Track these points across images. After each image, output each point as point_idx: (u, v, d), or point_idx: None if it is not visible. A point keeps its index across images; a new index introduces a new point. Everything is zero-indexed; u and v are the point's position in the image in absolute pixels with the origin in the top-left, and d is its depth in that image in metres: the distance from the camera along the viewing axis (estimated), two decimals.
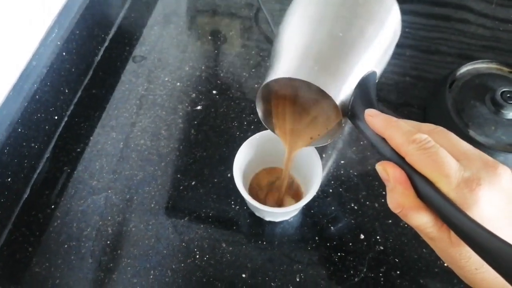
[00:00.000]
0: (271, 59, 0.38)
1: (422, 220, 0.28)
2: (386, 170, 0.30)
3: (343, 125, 0.36)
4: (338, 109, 0.33)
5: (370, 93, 0.35)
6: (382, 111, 0.32)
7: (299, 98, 0.39)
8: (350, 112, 0.34)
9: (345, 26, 0.36)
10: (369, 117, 0.31)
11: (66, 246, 0.48)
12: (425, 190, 0.27)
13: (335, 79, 0.34)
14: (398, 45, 0.40)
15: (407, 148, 0.28)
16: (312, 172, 0.43)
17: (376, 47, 0.36)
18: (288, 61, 0.35)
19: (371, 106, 0.33)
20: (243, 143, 0.44)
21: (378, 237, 0.47)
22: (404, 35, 0.41)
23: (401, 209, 0.29)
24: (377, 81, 0.37)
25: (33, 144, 0.51)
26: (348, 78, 0.34)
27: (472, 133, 0.50)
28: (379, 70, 0.37)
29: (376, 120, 0.31)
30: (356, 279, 0.45)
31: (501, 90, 0.50)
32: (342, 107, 0.34)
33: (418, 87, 0.58)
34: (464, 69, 0.54)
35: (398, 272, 0.45)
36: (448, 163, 0.26)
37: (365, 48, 0.35)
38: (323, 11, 0.37)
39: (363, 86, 0.34)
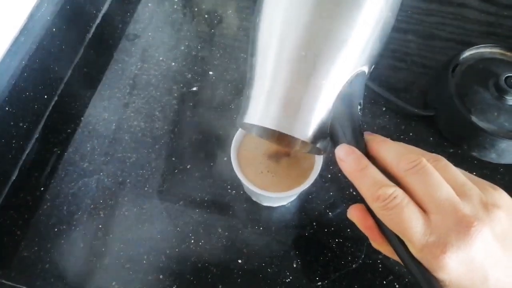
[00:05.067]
0: (246, 83, 0.34)
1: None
2: (353, 220, 0.29)
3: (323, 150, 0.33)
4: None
5: (352, 106, 0.31)
6: (366, 133, 0.30)
7: None
8: (330, 138, 0.32)
9: (310, 39, 0.30)
10: (339, 160, 0.29)
11: (56, 229, 0.46)
12: (393, 245, 0.27)
13: (301, 118, 0.30)
14: (399, 30, 0.37)
15: (372, 204, 0.27)
16: (311, 157, 0.42)
17: (355, 44, 0.30)
18: (253, 101, 0.32)
19: (352, 125, 0.30)
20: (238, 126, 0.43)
21: None
22: (405, 19, 0.39)
23: (379, 250, 0.29)
24: (368, 73, 0.33)
25: (21, 124, 0.49)
26: (317, 108, 0.30)
27: (474, 119, 0.48)
28: (368, 64, 0.32)
29: (345, 165, 0.29)
30: (354, 266, 0.45)
31: (505, 76, 0.48)
32: (316, 136, 0.31)
33: (419, 72, 0.57)
34: (467, 53, 0.53)
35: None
36: (411, 227, 0.25)
37: (337, 57, 0.30)
38: (288, 23, 0.30)
39: (344, 98, 0.31)
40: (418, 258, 0.25)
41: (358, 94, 0.32)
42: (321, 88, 0.30)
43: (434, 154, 0.28)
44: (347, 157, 0.29)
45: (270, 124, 0.31)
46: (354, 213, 0.29)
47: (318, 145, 0.32)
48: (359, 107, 0.31)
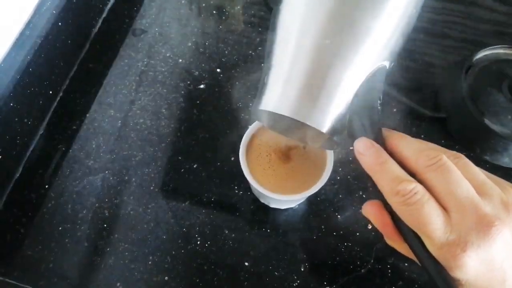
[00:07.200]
0: (263, 71, 0.33)
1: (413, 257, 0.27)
2: (368, 216, 0.28)
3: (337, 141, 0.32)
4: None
5: (372, 101, 0.30)
6: (386, 129, 0.30)
7: None
8: (347, 131, 0.31)
9: (335, 27, 0.29)
10: (358, 154, 0.28)
11: (60, 228, 0.45)
12: (410, 242, 0.26)
13: (320, 107, 0.29)
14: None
15: (391, 199, 0.26)
16: (322, 160, 0.41)
17: (380, 37, 0.29)
18: (270, 87, 0.31)
19: (370, 120, 0.30)
20: (248, 125, 0.42)
21: None
22: (417, 18, 0.38)
23: (393, 247, 0.29)
24: (389, 69, 0.32)
25: (26, 120, 0.49)
26: (337, 99, 0.29)
27: (487, 121, 0.47)
28: (389, 60, 0.31)
29: (365, 159, 0.28)
30: (362, 271, 0.44)
31: None
32: (334, 128, 0.30)
33: (430, 72, 0.56)
34: (481, 54, 0.52)
35: (406, 264, 0.44)
36: (431, 224, 0.24)
37: (361, 48, 0.29)
38: (312, 10, 0.30)
39: (364, 92, 0.30)
40: (436, 256, 0.25)
41: (378, 89, 0.31)
42: (342, 79, 0.29)
43: (454, 152, 0.27)
44: (366, 150, 0.28)
45: (286, 111, 0.30)
46: (370, 210, 0.28)
47: (334, 138, 0.31)
48: (378, 102, 0.31)
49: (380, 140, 0.29)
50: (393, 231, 0.27)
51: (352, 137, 0.30)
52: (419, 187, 0.25)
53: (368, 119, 0.30)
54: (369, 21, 0.29)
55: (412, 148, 0.27)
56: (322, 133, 0.30)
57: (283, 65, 0.31)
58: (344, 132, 0.31)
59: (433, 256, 0.25)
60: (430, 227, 0.24)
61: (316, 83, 0.29)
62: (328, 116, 0.30)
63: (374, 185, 0.28)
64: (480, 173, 0.26)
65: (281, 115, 0.30)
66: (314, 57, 0.29)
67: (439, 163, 0.26)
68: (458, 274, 0.24)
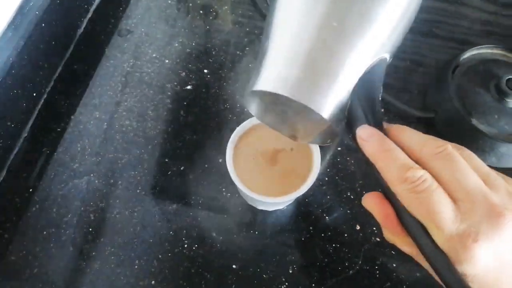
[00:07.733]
0: (259, 54, 0.32)
1: (414, 254, 0.27)
2: (369, 208, 0.28)
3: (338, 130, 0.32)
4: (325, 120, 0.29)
5: (373, 92, 0.30)
6: (382, 120, 0.29)
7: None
8: (347, 120, 0.30)
9: (343, 9, 0.29)
10: (361, 140, 0.28)
11: (45, 233, 0.45)
12: (414, 234, 0.25)
13: (322, 90, 0.28)
14: None
15: (398, 187, 0.25)
16: (309, 161, 0.41)
17: (384, 27, 0.29)
18: (268, 67, 0.30)
19: (372, 111, 0.29)
20: (236, 127, 0.41)
21: (374, 228, 0.46)
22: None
23: (393, 243, 0.28)
24: (389, 61, 0.32)
25: (9, 123, 0.48)
26: (340, 84, 0.29)
27: (474, 121, 0.48)
28: (390, 53, 0.31)
29: (368, 145, 0.27)
30: (350, 272, 0.44)
31: (507, 78, 0.47)
32: (334, 115, 0.29)
33: (419, 71, 0.56)
34: (468, 54, 0.52)
35: (394, 265, 0.44)
36: (441, 212, 0.23)
37: (366, 35, 0.29)
38: None
39: (366, 82, 0.29)
40: (444, 249, 0.24)
41: (379, 80, 0.30)
42: (345, 63, 0.28)
43: (456, 144, 0.27)
44: (370, 137, 0.28)
45: (286, 91, 0.28)
46: (372, 200, 0.27)
47: (333, 127, 0.30)
48: (379, 94, 0.30)
49: (382, 131, 0.29)
50: (396, 223, 0.26)
51: (352, 127, 0.29)
52: (428, 175, 0.25)
53: (369, 109, 0.29)
54: (377, 10, 0.29)
55: (416, 138, 0.27)
56: (320, 120, 0.29)
57: (284, 44, 0.30)
58: (343, 122, 0.30)
59: (440, 248, 0.24)
60: (439, 216, 0.23)
61: (319, 64, 0.29)
62: (329, 100, 0.29)
63: (374, 175, 0.27)
64: (484, 165, 0.26)
65: (277, 99, 0.29)
66: (320, 37, 0.28)
67: (446, 152, 0.25)
68: (466, 267, 0.23)
